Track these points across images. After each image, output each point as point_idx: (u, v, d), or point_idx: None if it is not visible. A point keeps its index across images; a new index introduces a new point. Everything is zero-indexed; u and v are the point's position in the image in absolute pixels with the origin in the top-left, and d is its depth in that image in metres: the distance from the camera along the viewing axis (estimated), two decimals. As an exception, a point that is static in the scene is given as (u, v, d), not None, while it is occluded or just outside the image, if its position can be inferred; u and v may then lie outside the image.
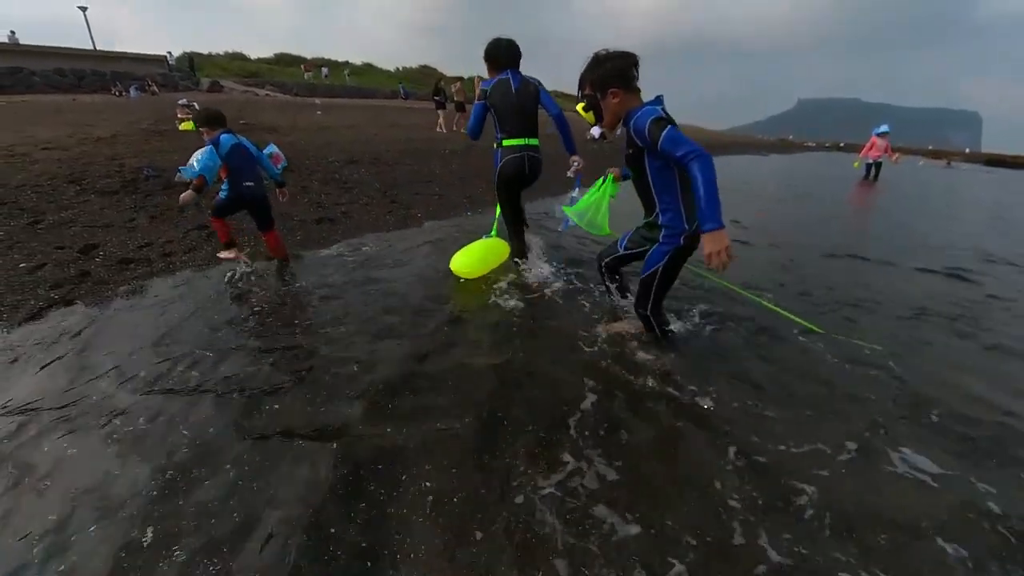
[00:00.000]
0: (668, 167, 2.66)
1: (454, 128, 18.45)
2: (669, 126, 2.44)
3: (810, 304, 4.26)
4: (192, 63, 40.22)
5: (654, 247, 2.91)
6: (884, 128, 13.61)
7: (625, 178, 3.43)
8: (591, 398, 2.72)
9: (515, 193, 4.37)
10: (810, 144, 48.52)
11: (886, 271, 5.50)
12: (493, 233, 4.72)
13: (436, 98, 19.04)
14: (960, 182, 19.10)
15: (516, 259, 4.58)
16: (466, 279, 4.39)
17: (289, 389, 2.71)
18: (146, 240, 5.01)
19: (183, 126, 13.09)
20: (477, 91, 4.25)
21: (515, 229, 4.56)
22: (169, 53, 38.30)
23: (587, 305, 3.95)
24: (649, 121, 2.48)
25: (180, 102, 15.71)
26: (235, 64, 47.83)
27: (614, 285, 3.56)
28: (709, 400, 2.73)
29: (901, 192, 13.17)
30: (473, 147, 12.62)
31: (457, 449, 2.29)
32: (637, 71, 2.72)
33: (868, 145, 14.20)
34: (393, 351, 3.16)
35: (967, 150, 45.52)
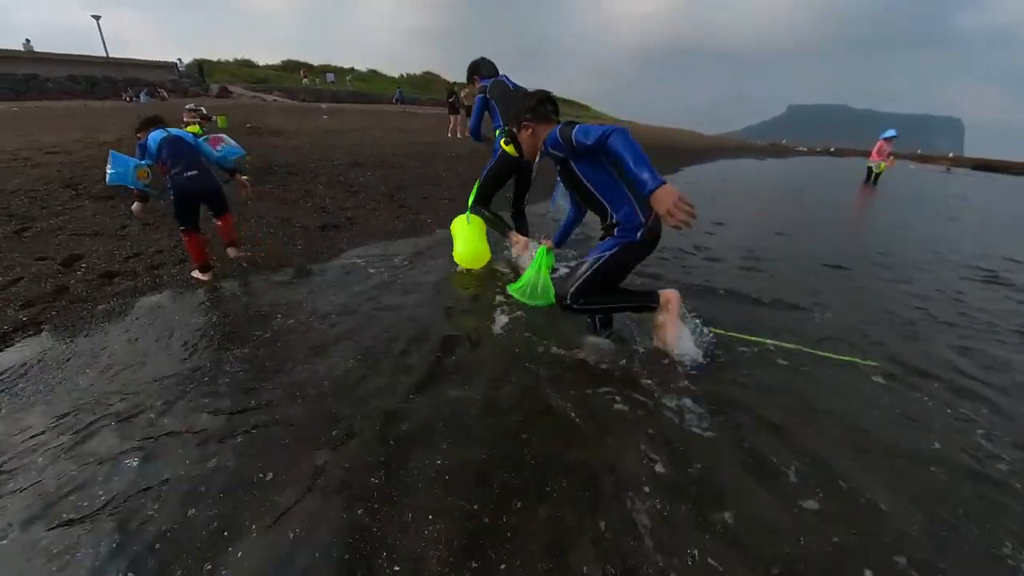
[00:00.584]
0: (598, 164, 2.59)
1: (466, 134, 17.16)
2: (577, 124, 2.51)
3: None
4: (201, 69, 39.88)
5: (608, 239, 2.73)
6: (892, 133, 13.16)
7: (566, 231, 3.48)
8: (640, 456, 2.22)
9: (505, 182, 4.45)
10: (802, 148, 47.99)
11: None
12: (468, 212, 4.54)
13: (450, 100, 18.09)
14: (967, 188, 18.39)
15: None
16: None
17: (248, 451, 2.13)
18: (135, 250, 4.52)
19: (188, 130, 12.60)
20: (475, 87, 4.47)
21: (509, 213, 4.76)
22: (179, 60, 38.13)
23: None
24: (558, 129, 2.55)
25: (187, 107, 15.17)
26: (243, 70, 47.53)
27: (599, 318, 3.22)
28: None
29: (929, 202, 12.56)
30: (478, 150, 12.12)
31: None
32: (550, 105, 2.80)
33: (876, 148, 13.70)
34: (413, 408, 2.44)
35: (951, 154, 45.01)
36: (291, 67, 52.35)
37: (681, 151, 22.97)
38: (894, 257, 5.93)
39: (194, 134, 4.30)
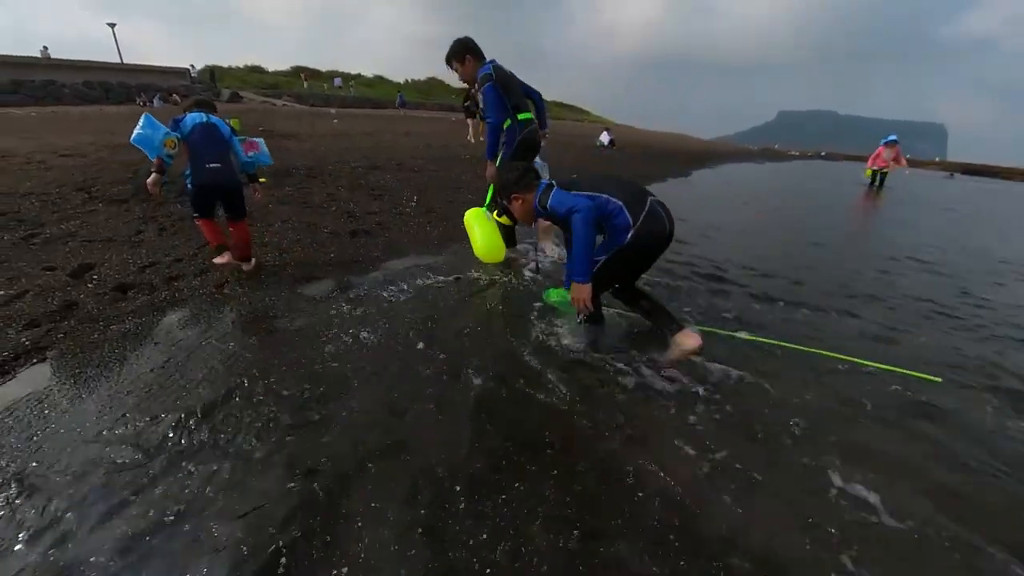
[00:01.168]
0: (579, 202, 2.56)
1: (480, 139, 16.50)
2: (554, 190, 2.68)
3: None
4: (213, 75, 39.35)
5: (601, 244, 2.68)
6: (892, 138, 12.47)
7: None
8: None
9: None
10: (794, 153, 47.37)
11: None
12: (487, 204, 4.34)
13: (466, 104, 16.46)
14: (973, 194, 17.83)
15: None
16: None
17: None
18: (151, 258, 3.98)
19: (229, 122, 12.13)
20: (468, 69, 3.87)
21: None
22: (192, 66, 37.72)
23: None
24: (537, 201, 2.75)
25: None
26: (254, 76, 47.18)
27: (639, 312, 3.03)
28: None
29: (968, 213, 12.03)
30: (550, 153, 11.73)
31: None
32: (530, 175, 2.91)
33: (874, 155, 12.99)
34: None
35: (936, 159, 44.50)
36: (310, 74, 51.84)
37: (684, 155, 22.52)
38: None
39: (232, 129, 3.88)
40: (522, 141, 3.89)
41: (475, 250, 4.20)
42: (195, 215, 3.71)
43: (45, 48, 30.20)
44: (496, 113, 3.75)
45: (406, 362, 2.66)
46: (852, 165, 32.80)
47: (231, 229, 3.77)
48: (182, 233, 4.66)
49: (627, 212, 2.52)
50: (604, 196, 2.56)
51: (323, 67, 55.00)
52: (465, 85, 4.32)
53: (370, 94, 45.87)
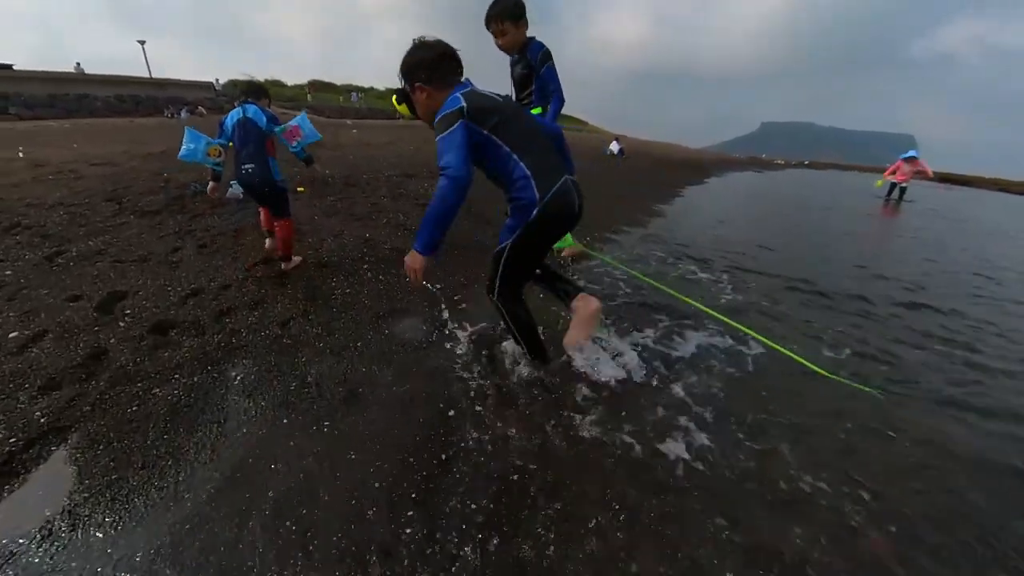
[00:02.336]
0: (490, 143, 1.95)
1: None
2: (458, 122, 1.84)
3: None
4: (236, 88, 38.58)
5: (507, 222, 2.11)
6: (912, 153, 11.70)
7: None
8: None
9: None
10: (779, 162, 46.43)
11: None
12: None
13: None
14: (977, 204, 17.08)
15: None
16: None
17: None
18: (193, 284, 3.13)
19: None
20: (529, 49, 3.11)
21: None
22: (216, 79, 37.16)
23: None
24: (437, 121, 1.92)
25: None
26: (274, 90, 46.00)
27: (547, 288, 2.48)
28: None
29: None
30: None
31: None
32: (452, 64, 2.04)
33: (892, 167, 12.21)
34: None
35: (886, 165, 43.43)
36: (316, 86, 51.41)
37: (686, 164, 21.77)
38: None
39: (273, 116, 3.44)
40: None
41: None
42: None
43: (79, 64, 30.06)
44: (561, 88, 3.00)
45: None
46: (839, 173, 32.09)
47: (275, 226, 3.46)
48: (225, 251, 3.82)
49: (534, 186, 1.95)
50: (514, 158, 1.96)
51: (338, 81, 54.37)
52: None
53: (382, 106, 45.09)
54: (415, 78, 2.02)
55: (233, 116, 3.29)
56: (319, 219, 4.68)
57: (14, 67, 27.87)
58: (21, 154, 9.30)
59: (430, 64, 2.00)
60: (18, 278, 3.06)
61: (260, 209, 3.72)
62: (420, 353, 2.53)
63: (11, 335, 2.36)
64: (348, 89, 48.85)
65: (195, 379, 2.17)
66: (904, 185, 11.88)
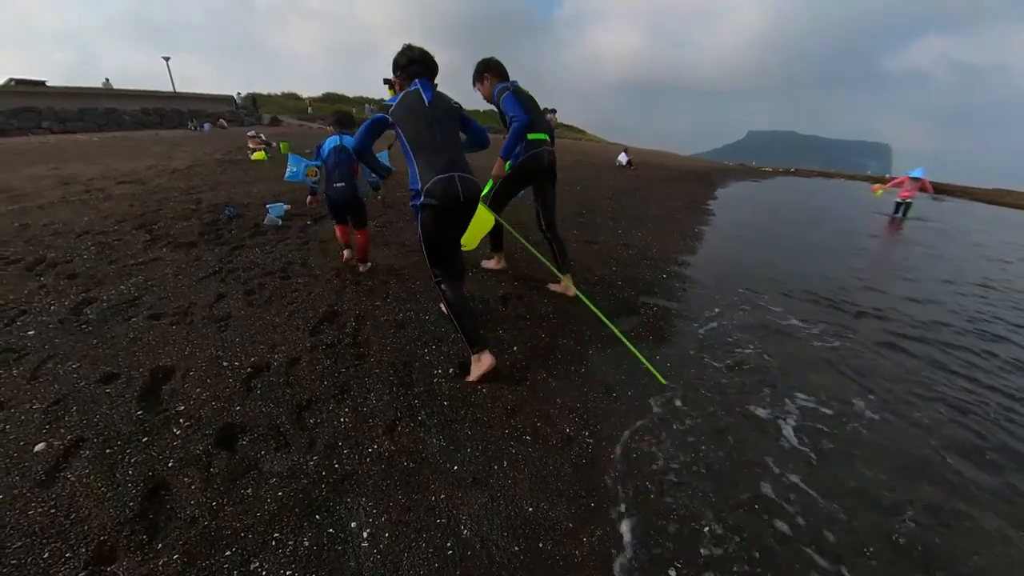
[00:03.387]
0: (399, 136, 2.30)
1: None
2: (373, 118, 2.34)
3: None
4: (255, 101, 38.17)
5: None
6: (918, 173, 11.01)
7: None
8: None
9: (521, 188, 3.61)
10: (767, 169, 45.50)
11: None
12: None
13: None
14: (963, 215, 16.64)
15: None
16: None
17: None
18: (252, 355, 2.44)
19: (255, 156, 10.85)
20: (493, 90, 3.27)
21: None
22: (237, 93, 36.65)
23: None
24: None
25: (249, 133, 13.51)
26: (290, 102, 46.14)
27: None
28: None
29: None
30: (580, 163, 10.23)
31: None
32: (415, 66, 2.42)
33: (897, 182, 11.60)
34: None
35: (886, 175, 42.84)
36: (331, 99, 50.69)
37: (688, 173, 21.18)
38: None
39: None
40: (528, 160, 3.32)
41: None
42: (333, 220, 3.90)
43: (107, 80, 29.62)
44: (521, 113, 3.04)
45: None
46: (824, 181, 31.55)
47: (355, 234, 3.78)
48: (277, 299, 3.14)
49: (419, 178, 2.24)
50: (408, 157, 2.29)
51: (350, 94, 53.68)
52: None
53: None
54: (394, 71, 2.50)
55: (330, 143, 3.59)
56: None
57: (47, 83, 27.44)
58: (51, 170, 8.76)
59: (403, 64, 2.44)
60: (42, 342, 2.48)
61: (337, 227, 3.88)
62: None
63: (37, 448, 1.73)
64: (360, 101, 48.23)
65: (304, 542, 1.46)
66: (910, 201, 11.25)
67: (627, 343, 2.65)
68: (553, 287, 3.70)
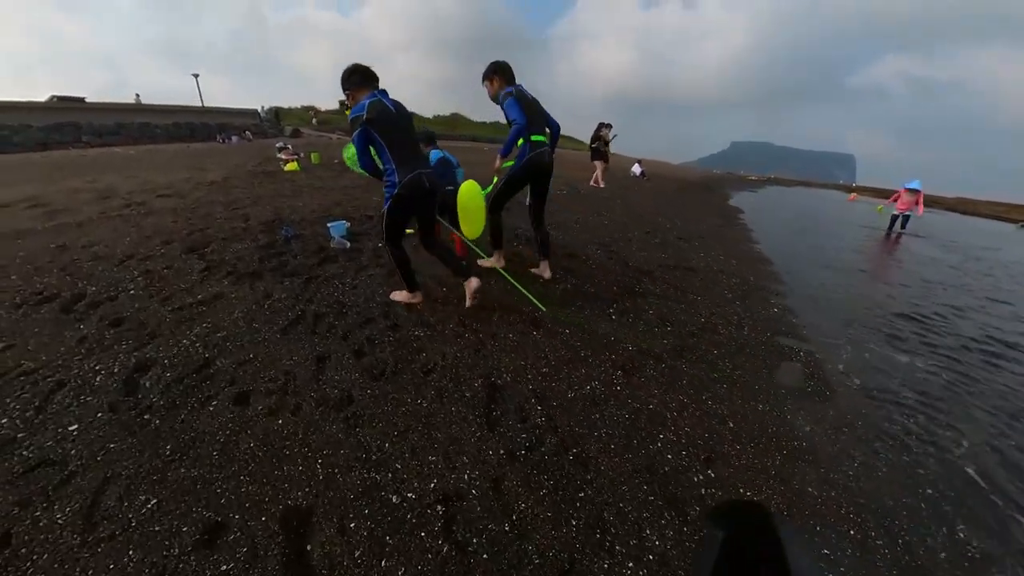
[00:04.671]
0: (373, 141, 2.43)
1: (601, 184, 10.50)
2: (359, 128, 2.37)
3: None
4: (277, 114, 37.53)
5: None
6: (915, 185, 9.82)
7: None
8: None
9: (521, 187, 3.41)
10: (753, 177, 44.44)
11: None
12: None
13: (593, 146, 10.63)
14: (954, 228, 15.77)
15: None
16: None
17: None
18: (428, 480, 1.51)
19: (288, 167, 10.00)
20: (499, 92, 3.19)
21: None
22: (261, 107, 36.04)
23: None
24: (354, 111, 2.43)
25: (277, 145, 12.69)
26: (309, 115, 45.25)
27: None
28: None
29: None
30: (634, 186, 9.40)
31: None
32: (356, 76, 2.50)
33: (894, 196, 10.34)
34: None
35: (854, 183, 42.13)
36: (343, 110, 49.58)
37: (691, 183, 20.39)
38: None
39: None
40: (530, 160, 3.20)
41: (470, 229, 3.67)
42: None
43: (137, 96, 29.60)
44: (520, 117, 3.02)
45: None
46: (805, 190, 30.85)
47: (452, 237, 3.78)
48: (404, 365, 2.22)
49: (396, 172, 2.43)
50: (386, 155, 2.43)
51: (366, 107, 52.71)
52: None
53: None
54: (343, 88, 2.55)
55: (436, 155, 3.92)
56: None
57: (86, 99, 26.92)
58: (89, 183, 7.92)
59: (345, 78, 2.51)
60: (91, 449, 1.56)
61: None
62: None
63: None
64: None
65: None
66: (908, 214, 10.04)
67: (515, 283, 3.06)
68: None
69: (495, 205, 3.45)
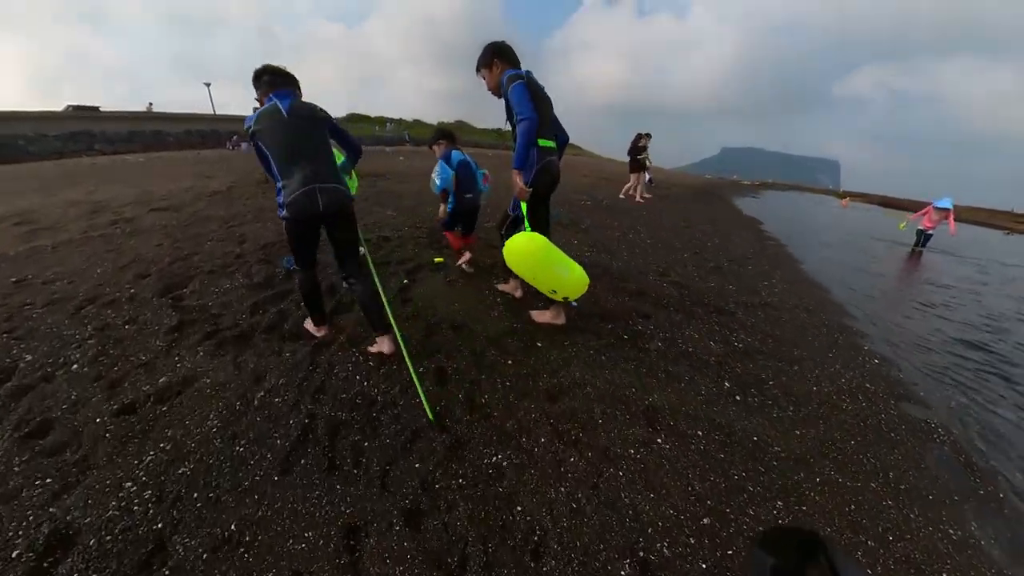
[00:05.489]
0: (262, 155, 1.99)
1: (645, 196, 9.40)
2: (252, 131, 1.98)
3: None
4: None
5: None
6: (946, 203, 8.54)
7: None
8: None
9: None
10: (746, 182, 42.87)
11: None
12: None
13: (638, 157, 9.10)
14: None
15: None
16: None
17: None
18: None
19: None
20: (502, 78, 2.21)
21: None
22: None
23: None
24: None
25: None
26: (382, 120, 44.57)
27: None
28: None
29: None
30: (668, 197, 8.47)
31: None
32: (266, 76, 2.01)
33: (923, 211, 9.01)
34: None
35: (841, 189, 40.92)
36: (354, 119, 49.00)
37: (693, 189, 19.47)
38: None
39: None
40: (542, 169, 2.28)
41: (572, 286, 2.26)
42: (444, 229, 3.39)
43: (150, 104, 28.47)
44: (529, 110, 2.07)
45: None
46: (799, 195, 29.94)
47: (467, 241, 3.41)
48: (501, 548, 1.26)
49: (283, 193, 1.93)
50: (273, 166, 1.94)
51: (372, 113, 51.88)
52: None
53: (415, 133, 42.46)
54: (255, 89, 2.08)
55: (457, 156, 3.18)
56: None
57: (100, 108, 26.01)
58: (87, 194, 6.99)
59: (255, 80, 2.04)
60: None
61: (448, 233, 3.41)
62: None
63: None
64: (381, 121, 46.28)
65: None
66: (931, 232, 8.86)
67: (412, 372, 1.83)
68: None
69: (537, 229, 2.53)
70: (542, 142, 2.27)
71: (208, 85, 31.92)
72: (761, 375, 2.45)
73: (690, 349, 2.62)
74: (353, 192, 2.57)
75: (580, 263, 2.34)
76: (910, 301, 4.94)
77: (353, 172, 3.37)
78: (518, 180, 2.22)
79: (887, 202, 29.68)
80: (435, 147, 3.27)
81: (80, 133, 22.36)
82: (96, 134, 22.72)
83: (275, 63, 2.03)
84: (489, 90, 2.37)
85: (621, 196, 9.36)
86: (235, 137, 26.20)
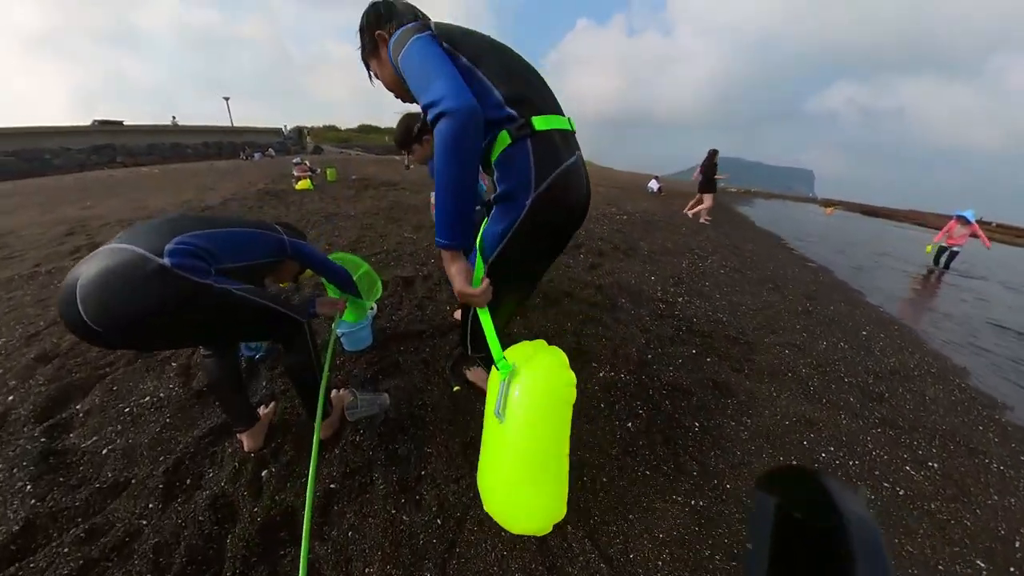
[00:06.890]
0: None
1: (704, 220, 7.45)
2: None
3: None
4: (301, 132, 35.10)
5: None
6: (968, 214, 6.58)
7: None
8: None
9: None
10: (733, 189, 40.59)
11: None
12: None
13: (716, 177, 7.72)
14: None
15: None
16: None
17: None
18: None
19: (299, 185, 7.65)
20: (389, 54, 0.97)
21: None
22: (284, 126, 33.88)
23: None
24: None
25: (294, 161, 10.44)
26: (330, 133, 43.44)
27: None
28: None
29: None
30: (657, 213, 7.15)
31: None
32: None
33: (946, 229, 6.91)
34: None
35: (816, 196, 39.24)
36: (365, 129, 47.61)
37: (689, 196, 18.09)
38: None
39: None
40: (552, 190, 0.98)
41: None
42: None
43: (174, 118, 27.63)
44: (455, 83, 0.85)
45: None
46: (782, 203, 28.02)
47: None
48: None
49: None
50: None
51: (382, 124, 50.49)
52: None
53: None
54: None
55: None
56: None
57: (124, 123, 24.74)
58: (83, 209, 5.65)
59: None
60: None
61: None
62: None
63: None
64: (391, 131, 44.97)
65: None
66: (956, 249, 6.77)
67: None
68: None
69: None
70: (543, 123, 0.97)
71: (227, 99, 30.50)
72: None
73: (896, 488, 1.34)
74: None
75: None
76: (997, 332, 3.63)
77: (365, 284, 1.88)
78: (454, 273, 0.92)
79: (868, 210, 27.65)
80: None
81: (103, 147, 21.56)
82: (117, 147, 21.83)
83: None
84: (389, 89, 1.09)
85: (689, 214, 7.89)
86: (247, 147, 24.84)
